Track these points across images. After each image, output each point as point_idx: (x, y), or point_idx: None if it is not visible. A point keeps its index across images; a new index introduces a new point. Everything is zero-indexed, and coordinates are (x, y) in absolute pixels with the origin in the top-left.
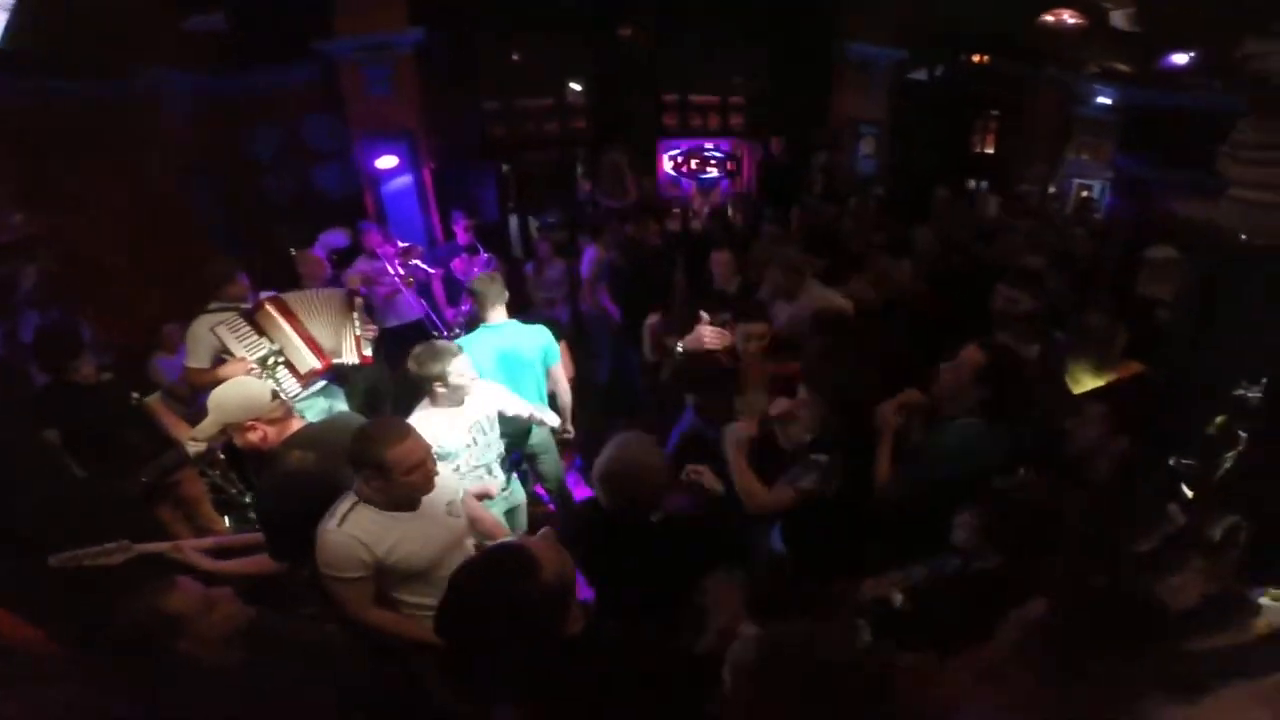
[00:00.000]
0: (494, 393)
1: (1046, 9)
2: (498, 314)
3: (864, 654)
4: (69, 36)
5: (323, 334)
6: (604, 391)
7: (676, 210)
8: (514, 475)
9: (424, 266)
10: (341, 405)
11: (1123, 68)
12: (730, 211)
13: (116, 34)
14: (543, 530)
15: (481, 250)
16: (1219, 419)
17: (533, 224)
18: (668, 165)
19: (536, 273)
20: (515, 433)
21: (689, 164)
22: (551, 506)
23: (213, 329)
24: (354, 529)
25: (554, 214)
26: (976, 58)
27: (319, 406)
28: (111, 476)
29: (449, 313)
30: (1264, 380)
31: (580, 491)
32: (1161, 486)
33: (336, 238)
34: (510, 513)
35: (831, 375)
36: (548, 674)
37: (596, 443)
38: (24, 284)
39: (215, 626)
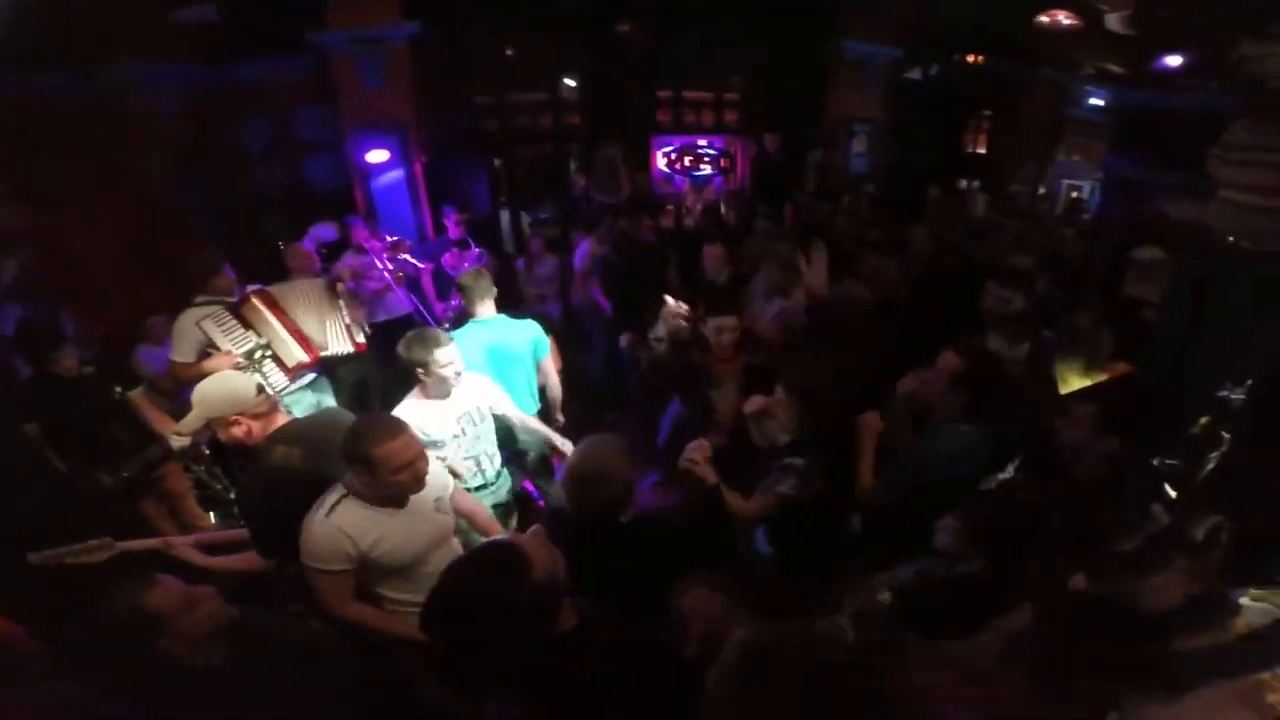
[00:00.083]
0: (482, 385)
1: (1042, 10)
2: (486, 309)
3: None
4: (57, 29)
5: (310, 326)
6: (596, 385)
7: (670, 206)
8: (503, 471)
9: (413, 261)
10: (329, 400)
11: (1117, 69)
12: (723, 208)
13: (106, 26)
14: (533, 528)
15: (473, 245)
16: (1203, 420)
17: (525, 219)
18: (662, 162)
19: (528, 268)
20: (503, 429)
21: (683, 160)
22: (541, 503)
23: (198, 323)
24: (340, 521)
25: (547, 209)
26: (971, 58)
27: (306, 401)
28: (94, 471)
29: (439, 307)
30: (1249, 382)
31: None
32: (1145, 486)
33: (326, 231)
34: (499, 509)
35: (808, 376)
36: (538, 672)
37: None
38: (4, 278)
39: (197, 624)
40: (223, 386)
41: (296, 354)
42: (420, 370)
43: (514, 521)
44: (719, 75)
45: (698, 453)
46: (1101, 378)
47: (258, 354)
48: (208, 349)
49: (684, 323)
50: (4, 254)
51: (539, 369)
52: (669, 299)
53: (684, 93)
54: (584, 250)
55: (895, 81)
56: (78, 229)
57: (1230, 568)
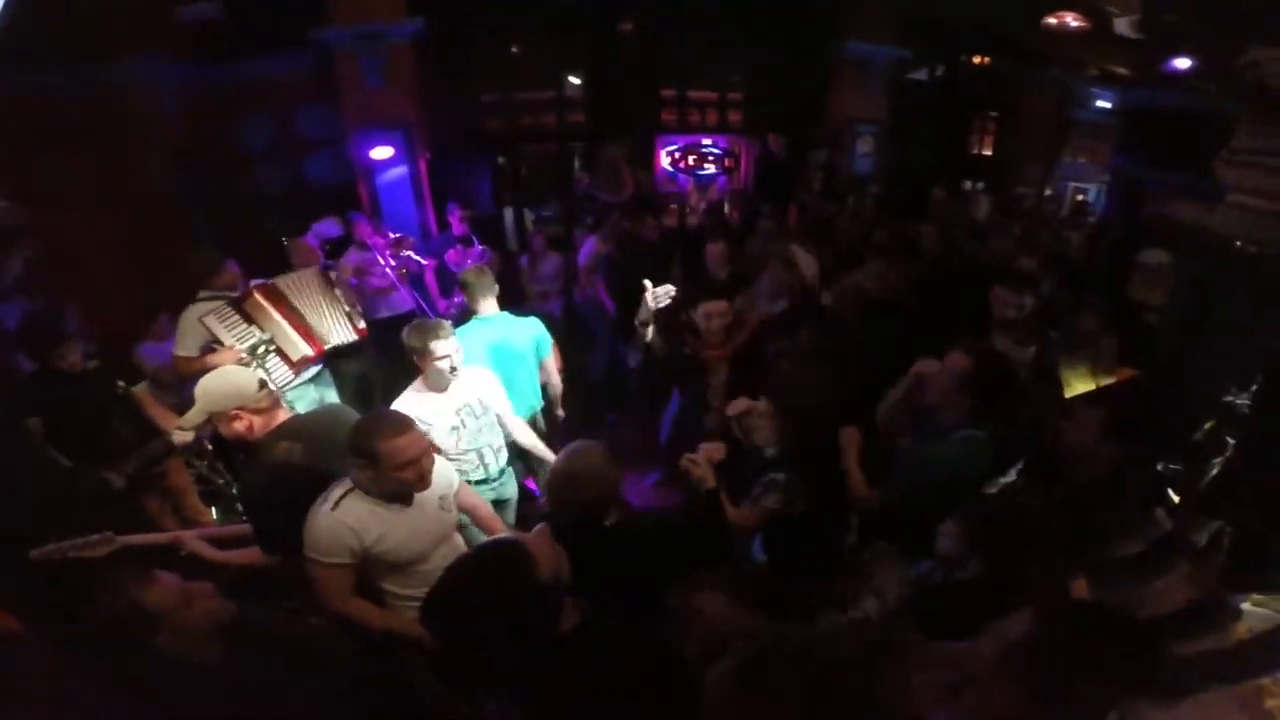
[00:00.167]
0: (484, 379)
1: (1049, 11)
2: (488, 306)
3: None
4: (62, 25)
5: (314, 317)
6: (597, 384)
7: (674, 206)
8: (508, 470)
9: (416, 258)
10: (332, 396)
11: (1124, 71)
12: (727, 208)
13: (110, 23)
14: (538, 527)
15: (476, 242)
16: (1208, 425)
17: (528, 217)
18: (665, 161)
19: (530, 266)
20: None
21: (687, 160)
22: (541, 501)
23: (201, 319)
24: (345, 515)
25: (550, 207)
26: (977, 59)
27: (310, 397)
28: (96, 466)
29: (442, 305)
30: (1254, 387)
31: None
32: (1148, 491)
33: (330, 227)
34: (499, 506)
35: (791, 391)
36: (538, 671)
37: (590, 435)
38: (9, 273)
39: (195, 621)
40: (224, 381)
41: (301, 348)
42: (417, 358)
43: (512, 518)
44: (720, 75)
45: (703, 455)
46: (1107, 381)
47: (261, 349)
48: (212, 344)
49: (667, 301)
50: (10, 250)
51: (541, 367)
52: (648, 283)
53: (689, 92)
54: (589, 248)
55: (900, 82)
56: (83, 226)
57: (1232, 573)
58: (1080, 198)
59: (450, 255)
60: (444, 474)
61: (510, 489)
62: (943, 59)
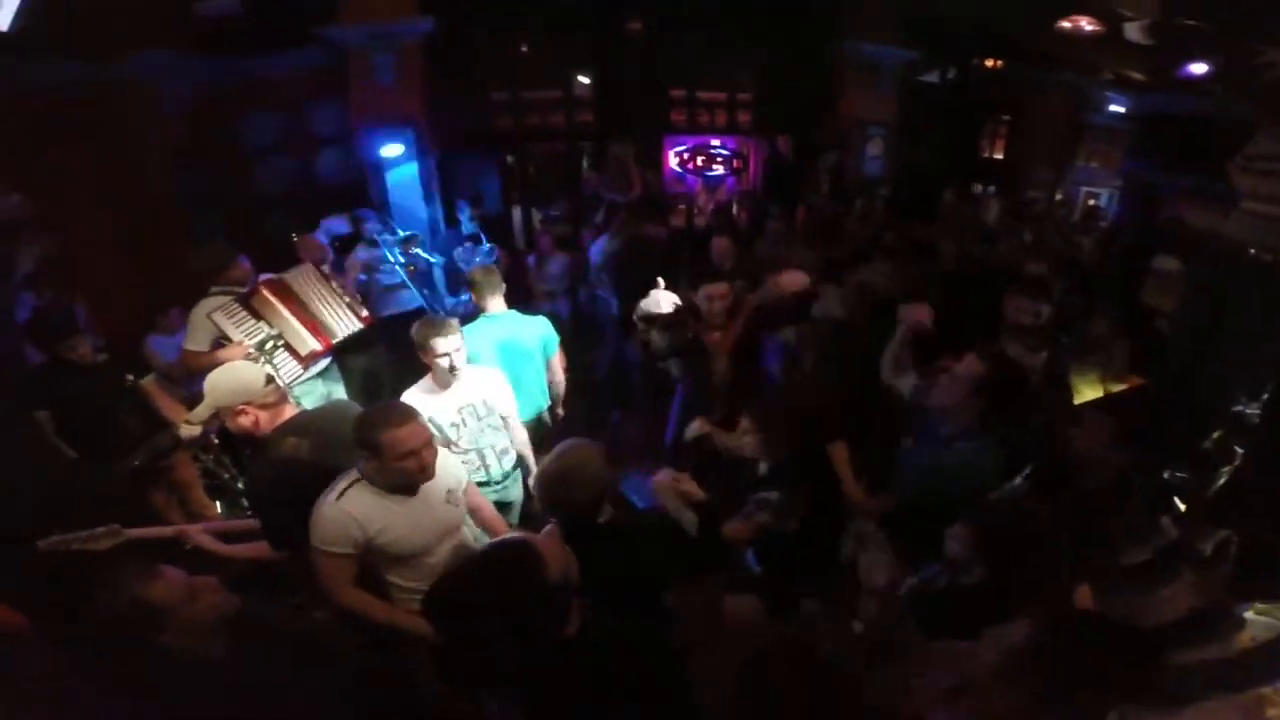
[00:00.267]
0: (490, 377)
1: (1062, 14)
2: (496, 304)
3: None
4: (76, 20)
5: (322, 311)
6: (602, 383)
7: (682, 206)
8: (513, 474)
9: (424, 255)
10: (340, 391)
11: (1137, 75)
12: (735, 208)
13: (124, 18)
14: (548, 528)
15: (484, 240)
16: (1217, 434)
17: (536, 216)
18: (673, 161)
19: (538, 265)
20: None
21: (695, 160)
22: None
23: (209, 315)
24: (349, 505)
25: (558, 206)
26: (989, 62)
27: (317, 392)
28: (104, 459)
29: (450, 302)
30: (1264, 396)
31: None
32: (1155, 499)
33: (338, 224)
34: (503, 509)
35: (771, 414)
36: (540, 671)
37: (594, 433)
38: (22, 267)
39: (199, 615)
40: (231, 376)
41: (309, 343)
42: (420, 353)
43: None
44: (722, 75)
45: (669, 477)
46: (1118, 387)
47: (269, 344)
48: (221, 340)
49: (670, 309)
50: (23, 243)
51: (548, 366)
52: (661, 281)
53: (697, 93)
54: (600, 246)
55: (910, 84)
56: (93, 220)
57: (1239, 581)
58: (1092, 202)
59: (459, 253)
60: (452, 469)
61: (515, 492)
62: (949, 59)
